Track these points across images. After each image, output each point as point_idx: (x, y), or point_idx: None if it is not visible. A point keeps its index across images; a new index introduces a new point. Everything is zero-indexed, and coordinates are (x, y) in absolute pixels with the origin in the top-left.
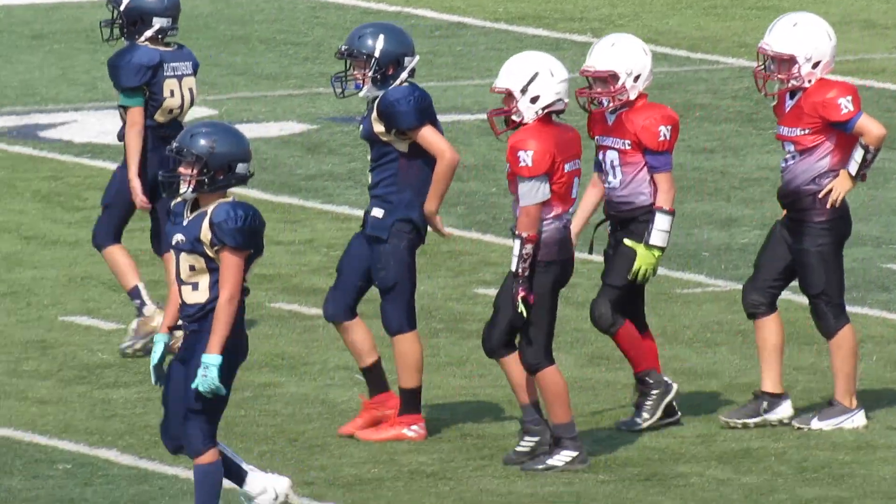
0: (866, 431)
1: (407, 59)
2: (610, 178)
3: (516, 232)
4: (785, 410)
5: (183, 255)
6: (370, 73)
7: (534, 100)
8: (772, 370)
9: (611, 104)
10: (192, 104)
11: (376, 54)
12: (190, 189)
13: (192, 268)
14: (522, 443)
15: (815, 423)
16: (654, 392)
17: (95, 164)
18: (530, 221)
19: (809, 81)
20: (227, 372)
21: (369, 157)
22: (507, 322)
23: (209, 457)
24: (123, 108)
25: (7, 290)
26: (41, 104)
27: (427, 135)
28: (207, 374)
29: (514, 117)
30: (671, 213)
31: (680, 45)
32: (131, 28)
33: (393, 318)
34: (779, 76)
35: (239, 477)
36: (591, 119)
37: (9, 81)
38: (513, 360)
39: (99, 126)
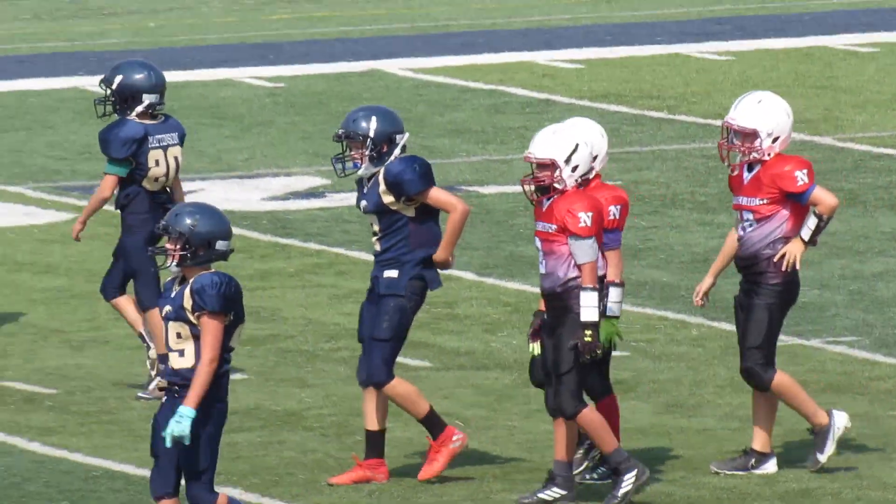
0: None
1: (398, 137)
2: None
3: (586, 285)
4: (770, 468)
5: (170, 324)
6: (367, 153)
7: (574, 168)
8: (763, 431)
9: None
10: (177, 171)
11: (371, 134)
12: (174, 263)
13: (178, 335)
14: (549, 492)
15: (821, 458)
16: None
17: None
18: (595, 274)
19: (769, 155)
20: (215, 433)
21: (376, 228)
22: (575, 380)
23: (222, 501)
24: (105, 173)
25: (142, 343)
26: None
27: (435, 194)
28: (181, 423)
29: (556, 185)
30: (622, 284)
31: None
32: (123, 104)
33: (379, 370)
34: (741, 148)
35: None
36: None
37: None
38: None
39: (223, 193)
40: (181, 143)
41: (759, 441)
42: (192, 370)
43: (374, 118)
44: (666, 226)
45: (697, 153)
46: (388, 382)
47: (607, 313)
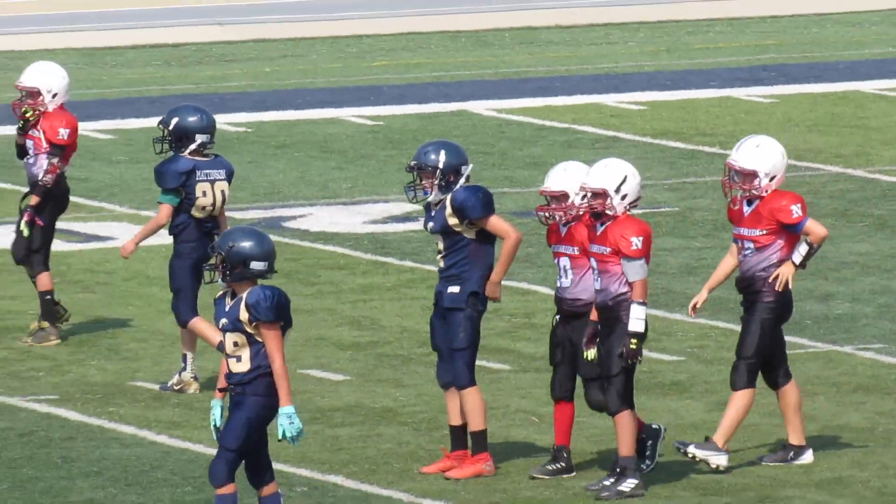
0: None
1: (464, 168)
2: None
3: (636, 300)
4: (807, 458)
5: (227, 335)
6: (436, 182)
7: (623, 197)
8: (795, 426)
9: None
10: (223, 203)
11: (440, 166)
12: (218, 278)
13: (235, 343)
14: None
15: (691, 448)
16: (650, 443)
17: (327, 249)
18: (644, 290)
19: (766, 191)
20: (253, 420)
21: (441, 247)
22: (622, 382)
23: (229, 489)
24: (159, 203)
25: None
26: (284, 200)
27: (494, 222)
28: (293, 422)
29: (607, 211)
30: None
31: (789, 156)
32: (178, 143)
33: (464, 375)
34: (742, 186)
35: None
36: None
37: (259, 182)
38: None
39: (329, 218)
40: (229, 179)
41: (793, 436)
42: (248, 373)
43: (442, 151)
44: (717, 247)
45: None
46: (471, 386)
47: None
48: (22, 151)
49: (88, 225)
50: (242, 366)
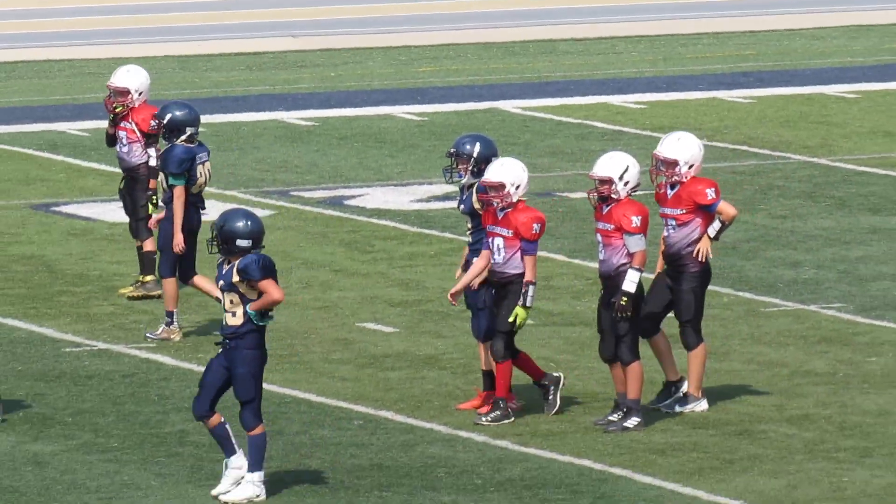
0: (885, 402)
1: (494, 159)
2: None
3: (634, 266)
4: (701, 406)
5: (225, 294)
6: (470, 168)
7: (626, 184)
8: (671, 364)
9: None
10: (209, 178)
11: (474, 155)
12: (213, 250)
13: (231, 301)
14: (615, 415)
15: (677, 408)
16: (552, 387)
17: (381, 223)
18: (643, 260)
19: (686, 177)
20: (256, 372)
21: (469, 225)
22: (631, 338)
23: (259, 430)
24: (171, 186)
25: (322, 305)
26: (345, 182)
27: None
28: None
29: (612, 195)
30: (535, 283)
31: (764, 146)
32: (169, 134)
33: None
34: (665, 173)
35: (231, 451)
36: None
37: (325, 167)
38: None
39: (383, 197)
40: (209, 159)
41: (671, 373)
42: (241, 327)
43: (477, 143)
44: None
45: (728, 170)
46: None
47: (526, 304)
48: (111, 140)
49: None
50: (237, 320)
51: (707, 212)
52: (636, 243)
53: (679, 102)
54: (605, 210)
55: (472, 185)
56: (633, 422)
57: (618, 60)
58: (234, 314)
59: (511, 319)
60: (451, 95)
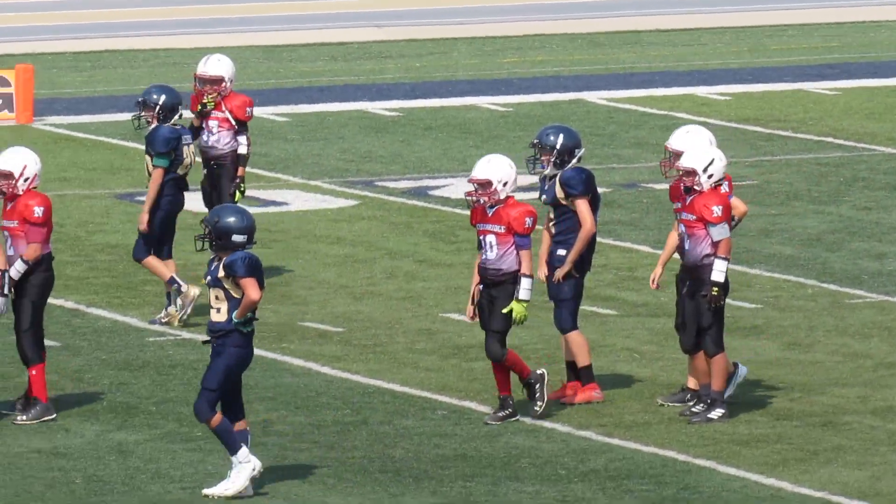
0: None
1: (577, 150)
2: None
3: (720, 255)
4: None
5: (211, 290)
6: (553, 159)
7: (710, 176)
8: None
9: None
10: (194, 162)
11: (558, 146)
12: (206, 246)
13: (216, 297)
14: (699, 406)
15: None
16: (538, 385)
17: (465, 213)
18: (728, 248)
19: (705, 187)
20: (232, 368)
21: (552, 216)
22: (716, 329)
23: (217, 419)
24: (155, 166)
25: (406, 295)
26: (430, 173)
27: (581, 205)
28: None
29: (695, 187)
30: (531, 277)
31: (850, 138)
32: (166, 116)
33: (567, 321)
34: (677, 166)
35: (233, 448)
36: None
37: (409, 158)
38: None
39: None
40: (192, 141)
41: (693, 382)
42: (226, 323)
43: (561, 135)
44: (789, 213)
45: (813, 161)
46: (574, 330)
47: (520, 297)
48: (195, 134)
49: (267, 192)
50: (221, 316)
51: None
52: (719, 232)
53: (764, 94)
54: (689, 201)
55: (554, 176)
56: (717, 413)
57: (703, 52)
58: (218, 310)
59: (506, 311)
60: (535, 86)
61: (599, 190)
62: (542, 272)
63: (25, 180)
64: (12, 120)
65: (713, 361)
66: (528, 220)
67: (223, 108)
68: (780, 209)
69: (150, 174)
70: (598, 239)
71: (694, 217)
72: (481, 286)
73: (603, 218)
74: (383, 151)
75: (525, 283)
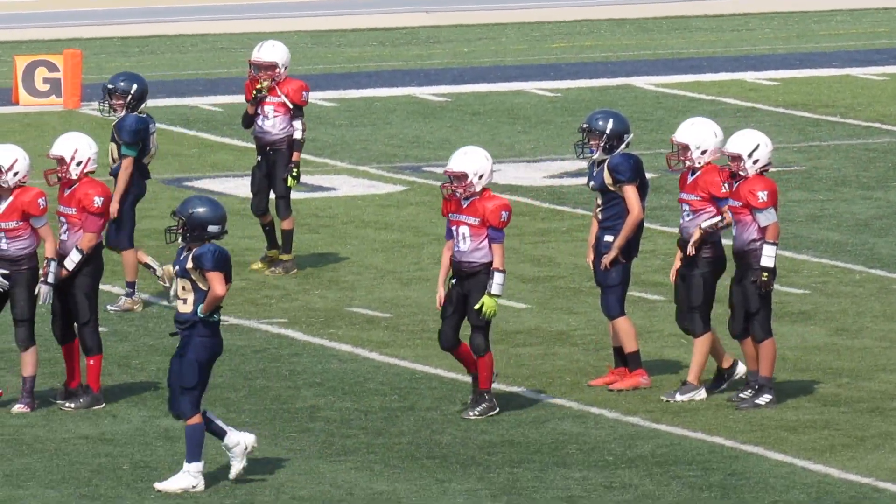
0: None
1: (626, 136)
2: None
3: (769, 240)
4: (700, 395)
5: (178, 280)
6: (602, 144)
7: (755, 161)
8: (722, 353)
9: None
10: (157, 150)
11: (607, 131)
12: (179, 238)
13: (183, 288)
14: (747, 392)
15: (678, 397)
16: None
17: (513, 198)
18: (776, 233)
19: (699, 163)
20: (204, 362)
21: (599, 202)
22: (764, 314)
23: (197, 419)
24: (123, 156)
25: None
26: None
27: (629, 191)
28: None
29: (741, 172)
30: (504, 271)
31: None
32: (136, 103)
33: (614, 307)
34: (678, 158)
35: (220, 434)
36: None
37: (457, 143)
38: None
39: (515, 173)
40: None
41: (727, 362)
42: (192, 314)
43: (611, 120)
44: (837, 199)
45: (861, 147)
46: (621, 316)
47: (492, 292)
48: (249, 122)
49: (315, 177)
50: (187, 308)
51: (719, 204)
52: (766, 217)
53: (812, 79)
54: (735, 186)
55: (602, 162)
56: (764, 399)
57: (751, 37)
58: (185, 301)
59: (477, 308)
60: (584, 71)
61: (647, 175)
62: (590, 258)
63: (78, 164)
64: (60, 105)
65: (761, 347)
66: (504, 214)
67: (278, 93)
68: (827, 195)
69: (114, 161)
70: (646, 224)
71: (740, 203)
72: (454, 279)
73: (650, 203)
74: (431, 137)
75: (497, 278)
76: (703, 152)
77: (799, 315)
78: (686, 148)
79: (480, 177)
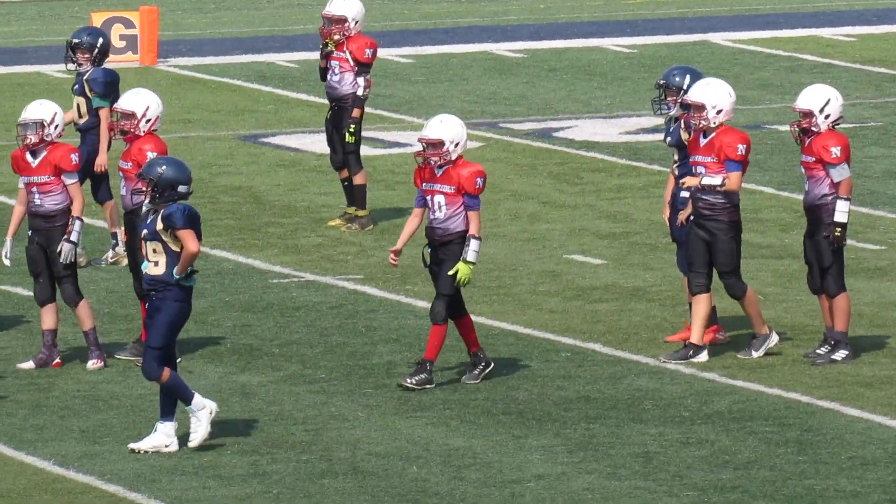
0: None
1: None
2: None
3: (841, 195)
4: (702, 358)
5: (148, 243)
6: (679, 100)
7: (826, 117)
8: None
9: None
10: None
11: (684, 87)
12: (147, 200)
13: (154, 251)
14: (823, 348)
15: (754, 354)
16: (482, 364)
17: (589, 155)
18: (848, 188)
19: (714, 122)
20: (173, 322)
21: (676, 157)
22: (837, 269)
23: (167, 374)
24: (97, 108)
25: (530, 237)
26: (554, 115)
27: None
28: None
29: (812, 128)
30: (480, 238)
31: None
32: (102, 56)
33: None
34: (693, 118)
35: (187, 398)
36: None
37: (534, 99)
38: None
39: (591, 129)
40: None
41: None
42: (164, 276)
43: (688, 76)
44: None
45: None
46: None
47: (467, 259)
48: (324, 74)
49: (391, 134)
50: (159, 270)
51: (729, 167)
52: (839, 173)
53: (889, 35)
54: (807, 143)
55: (679, 118)
56: (841, 354)
57: None
58: (156, 263)
59: (451, 273)
60: (660, 27)
61: None
62: (665, 213)
63: (147, 121)
64: (136, 61)
65: (835, 302)
66: (479, 181)
67: (344, 49)
68: None
69: (80, 115)
70: None
71: (813, 158)
72: (429, 247)
73: None
74: (507, 93)
75: (473, 245)
76: (719, 112)
77: (875, 271)
78: (702, 108)
79: (456, 144)
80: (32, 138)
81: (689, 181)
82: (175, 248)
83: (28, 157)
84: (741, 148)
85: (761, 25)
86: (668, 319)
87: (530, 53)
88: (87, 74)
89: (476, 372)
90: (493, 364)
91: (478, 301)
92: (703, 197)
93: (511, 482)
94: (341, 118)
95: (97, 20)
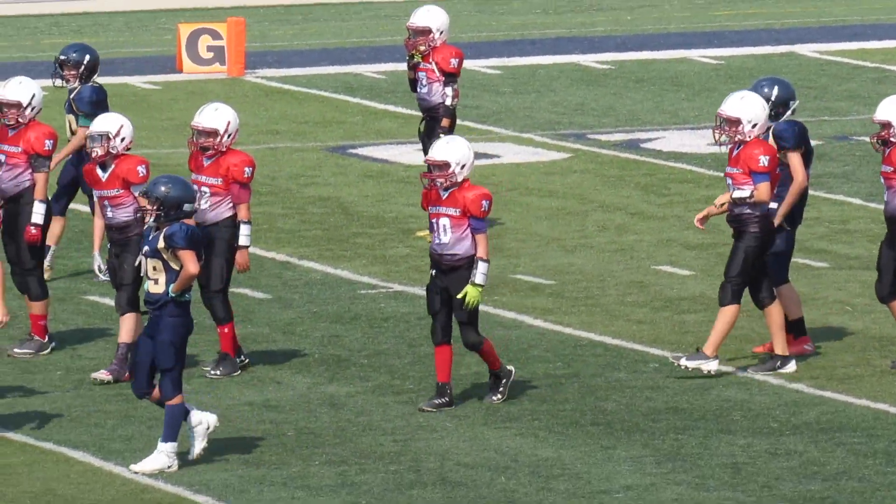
0: None
1: (791, 103)
2: None
3: None
4: (791, 368)
5: (148, 260)
6: (768, 111)
7: None
8: (779, 340)
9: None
10: None
11: (773, 98)
12: (152, 220)
13: (154, 268)
14: None
15: (683, 362)
16: (505, 380)
17: (677, 166)
18: None
19: (749, 136)
20: (178, 342)
21: None
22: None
23: (178, 399)
24: (81, 126)
25: (618, 248)
26: (641, 126)
27: (793, 158)
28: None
29: (892, 139)
30: (488, 261)
31: None
32: (90, 74)
33: (775, 274)
34: (728, 132)
35: (174, 435)
36: None
37: (621, 111)
38: None
39: (679, 140)
40: None
41: (778, 348)
42: (163, 295)
43: (776, 87)
44: None
45: None
46: (785, 283)
47: (475, 281)
48: (413, 85)
49: (479, 145)
50: (159, 288)
51: (755, 179)
52: None
53: None
54: (886, 153)
55: (768, 129)
56: None
57: None
58: (156, 282)
59: (460, 297)
60: (747, 39)
61: (812, 143)
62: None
63: (229, 136)
64: (224, 73)
65: None
66: (485, 203)
67: (430, 60)
68: None
69: (72, 132)
70: (810, 192)
71: (892, 168)
72: (435, 270)
73: (815, 171)
74: (595, 104)
75: (481, 268)
76: (754, 126)
77: None
78: (738, 122)
79: (462, 167)
80: (98, 151)
81: (721, 198)
82: (175, 266)
83: (98, 171)
84: (763, 160)
85: (849, 37)
86: (756, 330)
87: (617, 65)
88: (74, 93)
89: (432, 402)
90: (452, 405)
91: (566, 312)
92: (734, 209)
93: (599, 493)
94: (433, 129)
95: (185, 32)
